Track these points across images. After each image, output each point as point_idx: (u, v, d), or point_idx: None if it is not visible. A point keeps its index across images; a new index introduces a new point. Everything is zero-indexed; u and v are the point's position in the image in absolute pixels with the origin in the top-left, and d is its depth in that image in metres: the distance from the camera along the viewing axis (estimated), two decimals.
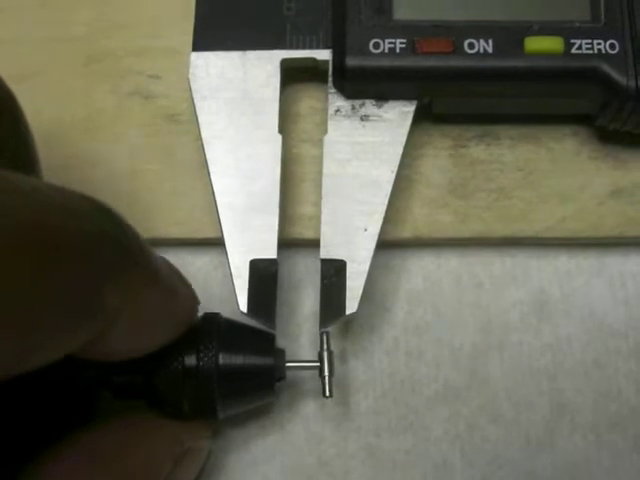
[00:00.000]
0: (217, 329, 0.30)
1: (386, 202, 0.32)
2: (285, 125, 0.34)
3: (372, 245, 0.31)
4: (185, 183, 0.35)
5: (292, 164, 0.35)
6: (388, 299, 0.34)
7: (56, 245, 0.21)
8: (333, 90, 0.33)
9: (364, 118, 0.33)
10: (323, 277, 0.31)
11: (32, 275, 0.20)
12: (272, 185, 0.32)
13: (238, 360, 0.29)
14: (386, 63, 0.32)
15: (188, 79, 0.33)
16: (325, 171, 0.32)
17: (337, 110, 0.33)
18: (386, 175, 0.32)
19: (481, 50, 0.32)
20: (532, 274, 0.34)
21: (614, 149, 0.35)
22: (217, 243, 0.32)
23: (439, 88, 0.33)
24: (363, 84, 0.32)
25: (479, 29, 0.32)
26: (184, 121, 0.35)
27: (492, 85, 0.32)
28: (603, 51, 0.32)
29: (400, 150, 0.32)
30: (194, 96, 0.33)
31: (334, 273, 0.31)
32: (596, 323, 0.34)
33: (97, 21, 0.37)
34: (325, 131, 0.33)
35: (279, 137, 0.33)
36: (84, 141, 0.35)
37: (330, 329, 0.31)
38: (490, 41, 0.32)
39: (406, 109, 0.33)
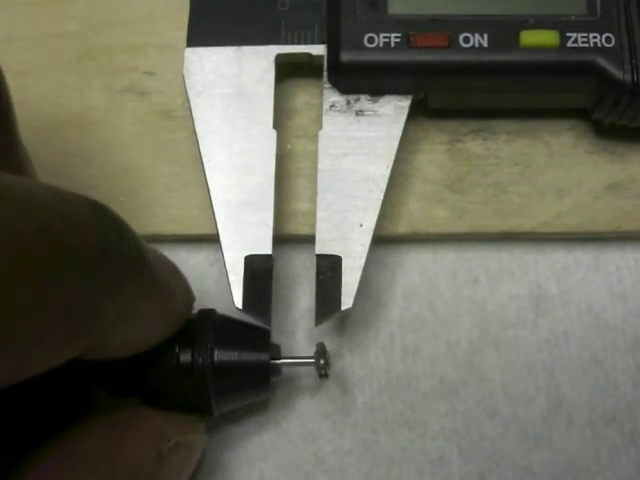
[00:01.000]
0: (212, 325, 0.30)
1: (381, 197, 0.32)
2: (280, 120, 0.34)
3: (367, 240, 0.31)
4: (180, 179, 0.34)
5: (287, 160, 0.34)
6: (384, 295, 0.34)
7: (56, 258, 0.21)
8: (328, 85, 0.33)
9: (359, 113, 0.33)
10: (318, 273, 0.31)
11: (31, 290, 0.20)
12: (267, 181, 0.32)
13: (233, 356, 0.29)
14: (381, 58, 0.32)
15: (182, 75, 0.33)
16: (320, 166, 0.32)
17: (332, 105, 0.33)
18: (382, 170, 0.32)
19: (476, 44, 0.32)
20: (529, 269, 0.34)
21: (611, 143, 0.34)
22: (212, 239, 0.32)
23: (434, 83, 0.33)
24: (358, 79, 0.32)
25: (474, 23, 0.32)
26: (178, 117, 0.35)
27: (488, 79, 0.32)
28: (599, 45, 0.32)
29: (396, 145, 0.32)
30: (188, 92, 0.33)
31: (329, 269, 0.31)
32: (593, 318, 0.34)
33: (91, 18, 0.37)
34: (320, 126, 0.33)
35: (274, 132, 0.32)
36: (78, 138, 0.35)
37: (327, 325, 0.31)
38: (485, 35, 0.32)
39: (401, 104, 0.33)
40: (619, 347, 0.33)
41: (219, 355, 0.29)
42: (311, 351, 0.31)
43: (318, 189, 0.32)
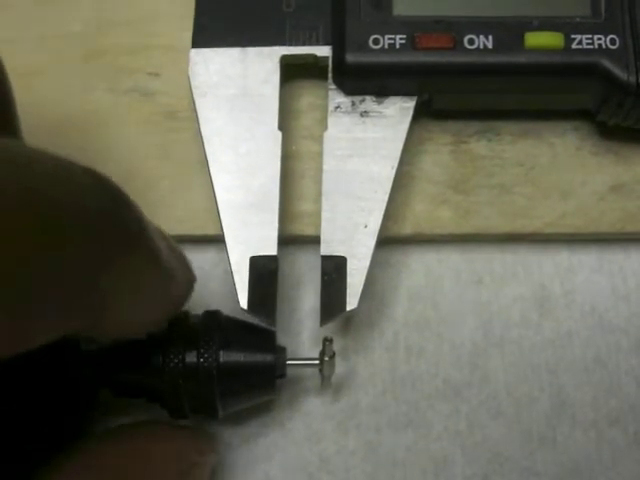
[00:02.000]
0: (218, 326, 0.30)
1: (386, 198, 0.32)
2: (285, 122, 0.34)
3: (372, 241, 0.31)
4: (185, 180, 0.34)
5: (292, 160, 0.34)
6: (388, 295, 0.34)
7: (54, 224, 0.20)
8: (333, 86, 0.33)
9: (364, 114, 0.33)
10: (323, 273, 0.31)
11: (28, 255, 0.20)
12: (272, 182, 0.32)
13: (239, 357, 0.29)
14: (386, 59, 0.32)
15: (188, 76, 0.33)
16: (325, 167, 0.32)
17: (337, 106, 0.33)
18: (386, 171, 0.32)
19: (481, 46, 0.32)
20: (533, 270, 0.34)
21: (615, 144, 0.35)
22: (217, 240, 0.32)
23: (439, 84, 0.33)
24: (363, 80, 0.32)
25: (479, 24, 0.32)
26: (183, 118, 0.35)
27: (492, 81, 0.32)
28: (603, 46, 0.32)
29: (400, 146, 0.32)
30: (194, 93, 0.33)
31: (334, 269, 0.31)
32: (597, 319, 0.34)
33: (95, 18, 0.37)
34: (325, 127, 0.33)
35: (279, 134, 0.32)
36: (83, 139, 0.35)
37: (332, 326, 0.31)
38: (490, 37, 0.32)
39: (406, 105, 0.33)
40: (623, 348, 0.33)
41: (224, 356, 0.29)
42: (316, 352, 0.31)
43: (323, 190, 0.32)
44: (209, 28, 0.34)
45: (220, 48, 0.33)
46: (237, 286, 0.31)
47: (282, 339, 0.32)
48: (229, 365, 0.29)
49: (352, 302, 0.31)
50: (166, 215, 0.34)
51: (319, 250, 0.32)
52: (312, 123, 0.35)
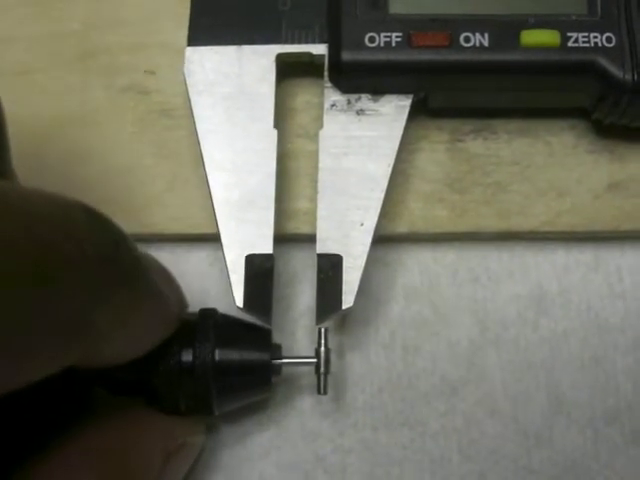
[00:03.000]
0: (213, 325, 0.30)
1: (382, 196, 0.32)
2: (281, 120, 0.34)
3: (368, 240, 0.31)
4: (180, 179, 0.34)
5: (288, 159, 0.34)
6: (384, 294, 0.34)
7: (51, 267, 0.20)
8: (329, 84, 0.33)
9: (360, 112, 0.33)
10: (319, 272, 0.31)
11: (22, 298, 0.20)
12: (268, 180, 0.32)
13: (234, 356, 0.29)
14: (382, 57, 0.32)
15: (183, 74, 0.33)
16: (321, 165, 0.32)
17: (333, 104, 0.33)
18: (382, 169, 0.32)
19: (477, 44, 0.32)
20: (529, 269, 0.34)
21: (611, 143, 0.34)
22: (213, 239, 0.32)
23: (435, 82, 0.33)
24: (359, 78, 0.32)
25: (475, 23, 0.32)
26: (179, 116, 0.35)
27: (488, 79, 0.32)
28: (600, 44, 0.32)
29: (396, 144, 0.32)
30: (189, 91, 0.33)
31: (330, 268, 0.31)
32: (593, 318, 0.34)
33: (92, 17, 0.37)
34: (321, 126, 0.33)
35: (275, 132, 0.32)
36: (79, 137, 0.35)
37: (328, 324, 0.31)
38: (486, 34, 0.32)
39: (402, 103, 0.33)
40: (619, 346, 0.33)
41: (220, 354, 0.29)
42: (312, 350, 0.31)
43: (319, 188, 0.32)
44: (205, 26, 0.34)
45: (216, 46, 0.33)
46: (233, 284, 0.31)
47: (278, 337, 0.32)
48: (225, 363, 0.29)
49: (348, 300, 0.31)
50: (162, 213, 0.34)
51: (315, 248, 0.31)
52: (308, 121, 0.35)
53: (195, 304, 0.30)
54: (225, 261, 0.31)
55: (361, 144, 0.32)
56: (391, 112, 0.33)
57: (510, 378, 0.33)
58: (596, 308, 0.34)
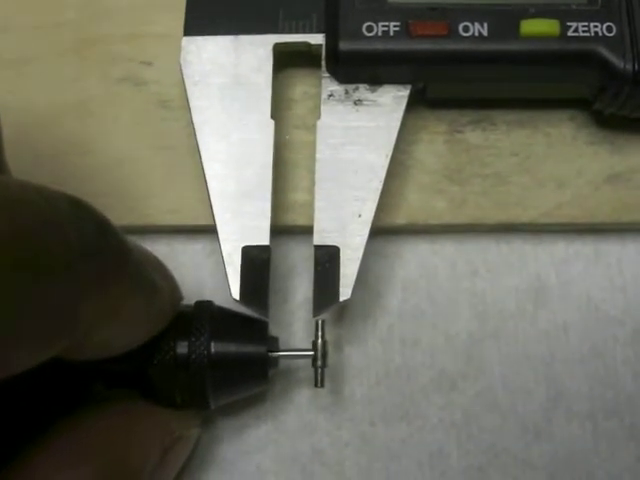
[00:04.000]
0: (209, 317, 0.29)
1: (380, 187, 0.31)
2: (278, 111, 0.34)
3: (366, 231, 0.31)
4: (177, 170, 0.34)
5: (285, 150, 0.34)
6: (382, 286, 0.34)
7: (36, 258, 0.20)
8: (326, 74, 0.33)
9: (358, 103, 0.32)
10: (317, 264, 0.31)
11: (7, 289, 0.20)
12: (265, 171, 0.32)
13: (230, 348, 0.29)
14: (380, 46, 0.32)
15: (179, 64, 0.33)
16: (318, 156, 0.32)
17: (330, 95, 0.32)
18: (380, 160, 0.32)
19: (476, 33, 0.31)
20: (528, 261, 0.34)
21: (611, 134, 0.34)
22: (209, 230, 0.32)
23: (433, 72, 0.32)
24: (356, 68, 0.32)
25: (474, 12, 0.32)
26: (175, 107, 0.35)
27: (487, 69, 0.32)
28: (600, 34, 0.31)
29: (394, 135, 0.32)
30: (186, 81, 0.33)
31: (328, 259, 0.31)
32: (593, 310, 0.33)
33: (88, 7, 0.37)
34: (318, 116, 0.32)
35: (272, 122, 0.32)
36: (75, 128, 0.35)
37: (325, 316, 0.31)
38: (485, 24, 0.31)
39: (400, 93, 0.32)
40: (619, 339, 0.33)
41: (216, 347, 0.29)
42: (309, 343, 0.31)
43: (316, 179, 0.32)
44: (201, 16, 0.33)
45: (212, 36, 0.33)
46: (229, 276, 0.31)
47: (275, 330, 0.32)
48: (221, 356, 0.29)
49: (345, 292, 0.30)
50: (158, 205, 0.34)
51: (312, 240, 0.31)
52: (305, 112, 0.35)
53: (191, 296, 0.30)
54: (221, 253, 0.31)
55: (359, 135, 0.32)
56: (389, 102, 0.32)
57: (509, 371, 0.33)
58: (596, 300, 0.34)
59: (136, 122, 0.35)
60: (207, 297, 0.31)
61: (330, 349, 0.31)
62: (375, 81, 0.32)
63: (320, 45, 0.33)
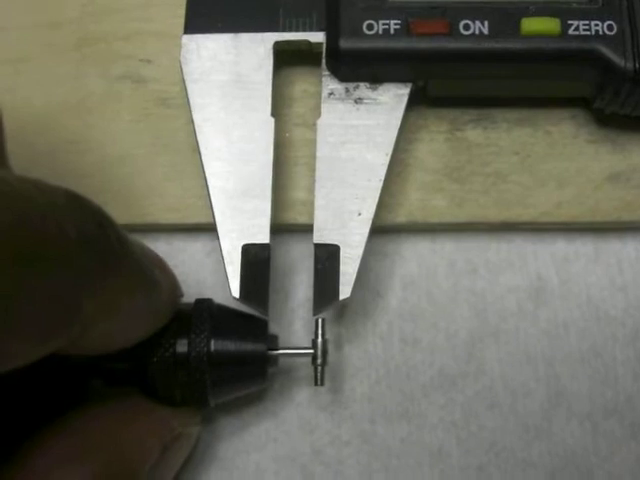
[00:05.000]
0: (209, 315, 0.29)
1: (380, 186, 0.31)
2: (278, 109, 0.34)
3: (366, 229, 0.31)
4: (177, 168, 0.34)
5: (285, 148, 0.34)
6: (382, 285, 0.34)
7: (34, 250, 0.20)
8: (327, 73, 0.33)
9: (358, 101, 0.32)
10: (317, 262, 0.31)
11: (6, 281, 0.20)
12: (265, 169, 0.32)
13: (230, 346, 0.29)
14: (380, 45, 0.31)
15: (180, 62, 0.33)
16: (319, 154, 0.32)
17: (331, 93, 0.32)
18: (380, 158, 0.32)
19: (477, 31, 0.31)
20: (528, 260, 0.34)
21: (612, 133, 0.34)
22: (209, 229, 0.32)
23: (434, 70, 0.32)
24: (357, 66, 0.32)
25: (475, 10, 0.32)
26: (175, 105, 0.35)
27: (488, 67, 0.32)
28: (600, 32, 0.31)
29: (395, 133, 0.32)
30: (185, 79, 0.33)
31: (328, 258, 0.31)
32: (593, 309, 0.33)
33: (88, 5, 0.37)
34: (318, 115, 0.32)
35: (272, 120, 0.32)
36: (75, 126, 0.35)
37: (325, 315, 0.31)
38: (486, 22, 0.31)
39: (401, 92, 0.32)
40: (619, 338, 0.33)
41: (215, 345, 0.29)
42: (309, 342, 0.30)
43: (316, 177, 0.32)
44: (202, 14, 0.33)
45: (212, 34, 0.33)
46: (229, 274, 0.31)
47: (274, 328, 0.32)
48: (220, 353, 0.29)
49: (345, 291, 0.30)
50: (157, 204, 0.34)
51: (312, 238, 0.31)
52: (305, 110, 0.35)
53: (191, 295, 0.30)
54: (221, 251, 0.31)
55: (359, 133, 0.32)
56: (390, 101, 0.32)
57: (509, 370, 0.33)
58: (596, 300, 0.34)
59: (135, 120, 0.35)
60: (207, 296, 0.30)
61: (330, 348, 0.31)
62: (376, 79, 0.32)
63: (320, 43, 0.33)
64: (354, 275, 0.31)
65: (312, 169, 0.32)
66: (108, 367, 0.29)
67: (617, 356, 0.33)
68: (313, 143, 0.32)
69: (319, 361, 0.30)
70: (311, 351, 0.30)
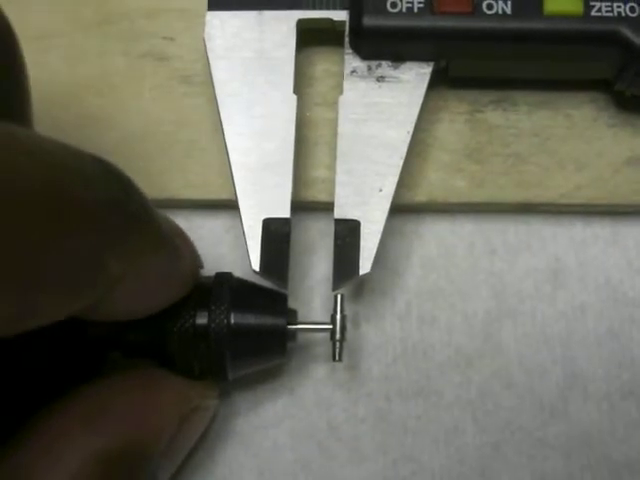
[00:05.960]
0: (229, 288, 0.29)
1: (401, 163, 0.31)
2: (299, 88, 0.34)
3: (387, 206, 0.31)
4: (198, 145, 0.34)
5: (306, 127, 0.34)
6: (401, 264, 0.34)
7: (64, 209, 0.21)
8: (349, 51, 0.33)
9: (380, 79, 0.32)
10: (337, 237, 0.31)
11: (37, 236, 0.20)
12: (286, 145, 0.32)
13: (250, 320, 0.29)
14: (403, 23, 0.32)
15: (203, 38, 0.33)
16: (340, 131, 0.32)
17: (353, 71, 0.33)
18: (402, 136, 0.32)
19: (500, 11, 0.31)
20: (547, 242, 0.34)
21: (632, 116, 0.34)
22: (229, 206, 0.32)
23: (456, 49, 0.32)
24: (380, 44, 0.32)
25: None
26: (198, 83, 0.35)
27: (510, 47, 0.32)
28: (623, 14, 0.31)
29: (416, 111, 0.32)
30: (209, 55, 0.33)
31: (348, 233, 0.31)
32: (611, 292, 0.33)
33: None
34: (340, 93, 0.32)
35: (294, 97, 0.32)
36: (97, 102, 0.35)
37: (344, 292, 0.31)
38: (509, 2, 0.31)
39: (423, 70, 0.32)
40: (636, 320, 0.33)
41: (235, 317, 0.29)
42: (327, 319, 0.31)
43: (338, 154, 0.32)
44: None
45: (236, 11, 0.33)
46: (249, 248, 0.31)
47: (293, 305, 0.32)
48: (240, 327, 0.29)
49: (365, 266, 0.31)
50: (179, 179, 0.34)
51: (332, 216, 0.31)
52: (327, 90, 0.35)
53: (210, 270, 0.30)
54: (242, 225, 0.31)
55: (381, 110, 0.32)
56: (411, 79, 0.32)
57: (526, 351, 0.33)
58: (614, 282, 0.34)
59: (158, 97, 0.35)
60: (227, 270, 0.31)
61: (348, 326, 0.31)
62: (398, 58, 0.32)
63: (343, 22, 0.33)
64: (374, 250, 0.31)
65: (332, 148, 0.32)
66: (127, 338, 0.29)
67: (634, 338, 0.33)
68: (334, 123, 0.32)
69: (338, 336, 0.30)
70: (330, 326, 0.30)
